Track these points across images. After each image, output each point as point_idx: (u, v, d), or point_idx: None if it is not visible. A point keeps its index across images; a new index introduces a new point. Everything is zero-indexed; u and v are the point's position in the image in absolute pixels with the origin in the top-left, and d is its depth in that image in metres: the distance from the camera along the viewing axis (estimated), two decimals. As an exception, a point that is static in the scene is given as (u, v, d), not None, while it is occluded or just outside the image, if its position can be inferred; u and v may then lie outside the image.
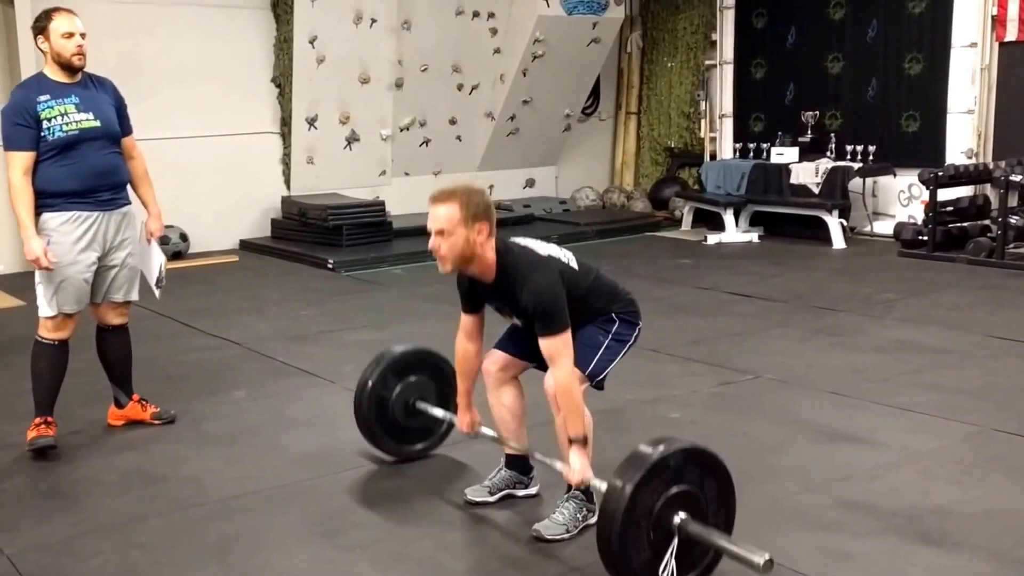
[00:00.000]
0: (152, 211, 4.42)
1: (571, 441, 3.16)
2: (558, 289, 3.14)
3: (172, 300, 7.17)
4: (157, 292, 4.44)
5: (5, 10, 7.94)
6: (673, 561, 2.77)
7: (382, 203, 9.51)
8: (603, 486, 2.90)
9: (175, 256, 8.91)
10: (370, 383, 3.85)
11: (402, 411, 3.90)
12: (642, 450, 2.82)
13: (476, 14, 10.36)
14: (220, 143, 9.39)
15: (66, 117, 4.03)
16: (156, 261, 4.41)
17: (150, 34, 8.85)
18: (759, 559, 2.63)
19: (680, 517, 2.79)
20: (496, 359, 3.49)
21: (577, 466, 3.14)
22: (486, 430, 3.61)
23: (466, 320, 3.44)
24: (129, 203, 4.32)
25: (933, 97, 9.22)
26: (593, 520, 3.32)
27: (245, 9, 9.43)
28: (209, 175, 9.29)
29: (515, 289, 3.17)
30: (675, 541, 2.77)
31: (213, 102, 9.26)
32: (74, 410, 4.56)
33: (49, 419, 4.16)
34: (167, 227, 8.75)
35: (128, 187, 4.34)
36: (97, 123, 4.11)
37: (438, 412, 3.87)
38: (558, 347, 3.11)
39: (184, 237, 9.04)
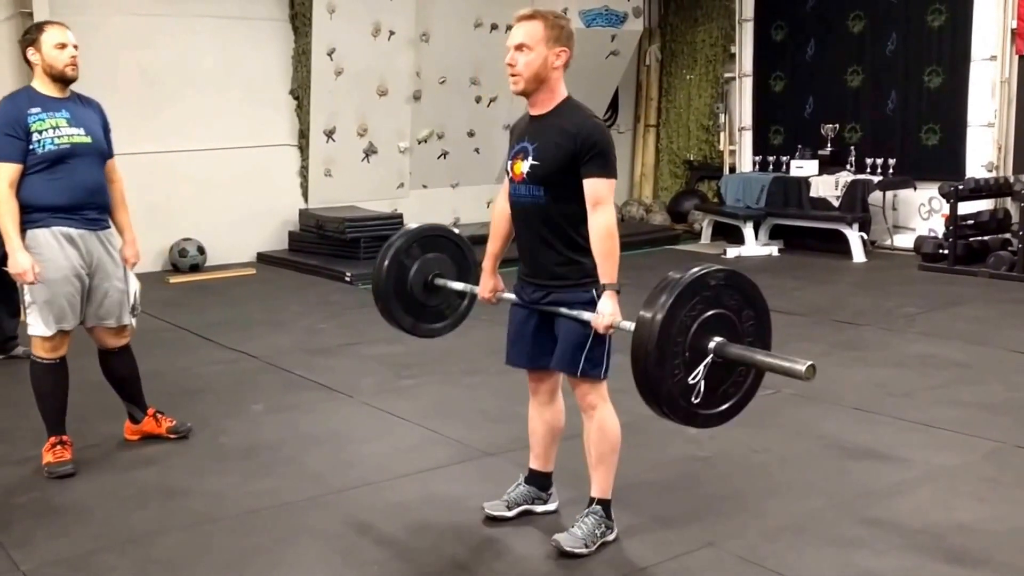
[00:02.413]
0: (127, 237, 4.28)
1: (604, 287, 3.10)
2: (613, 144, 3.15)
3: (189, 313, 7.22)
4: (132, 320, 4.32)
5: (25, 24, 8.00)
6: (703, 380, 2.73)
7: (400, 216, 9.50)
8: (632, 325, 2.84)
9: (193, 268, 8.95)
10: (391, 251, 3.73)
11: (421, 287, 3.79)
12: (675, 274, 2.79)
13: (494, 26, 10.37)
14: (238, 155, 9.42)
15: (58, 131, 3.96)
16: (131, 288, 4.28)
17: (169, 46, 8.89)
18: (801, 366, 2.60)
19: (716, 340, 2.75)
20: (537, 376, 3.45)
21: (608, 310, 3.07)
22: (507, 295, 3.50)
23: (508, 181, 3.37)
24: (111, 227, 4.21)
25: (953, 110, 9.16)
26: (611, 537, 3.31)
27: (264, 21, 9.46)
28: (227, 187, 9.33)
29: (572, 120, 3.12)
30: (709, 358, 2.73)
31: (231, 114, 9.29)
32: (90, 424, 4.56)
33: (64, 438, 4.13)
34: (185, 239, 8.97)
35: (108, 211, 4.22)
36: (88, 139, 4.04)
37: (458, 285, 3.77)
38: (604, 191, 3.10)
39: (201, 250, 9.06)
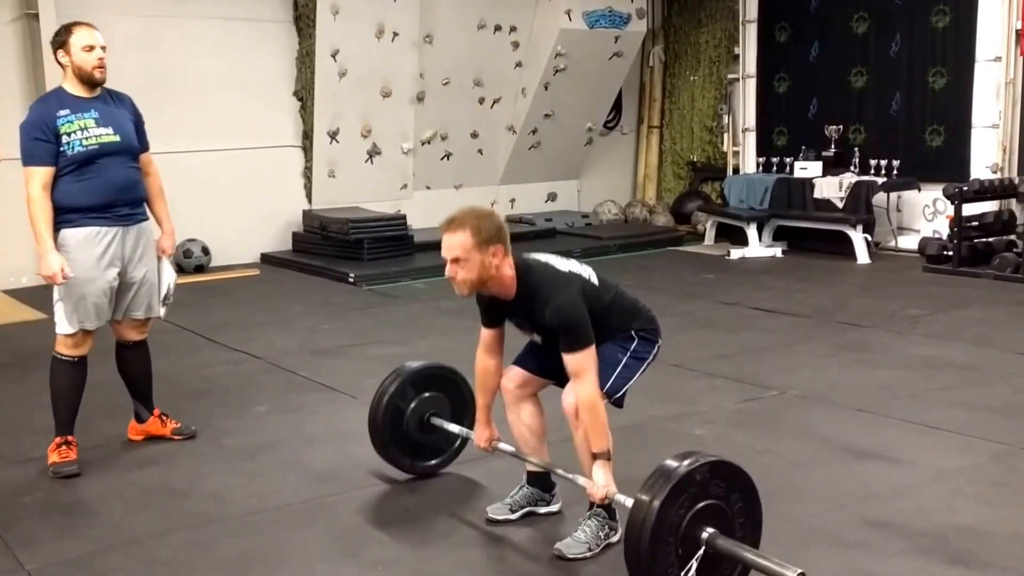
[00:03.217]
0: (165, 228, 4.38)
1: (595, 456, 3.13)
2: (580, 305, 3.13)
3: (194, 314, 7.22)
4: (162, 310, 4.38)
5: (31, 24, 8.02)
6: (694, 571, 2.72)
7: (403, 217, 9.51)
8: (628, 502, 2.87)
9: (197, 269, 8.96)
10: (386, 397, 3.82)
11: (417, 426, 3.86)
12: (668, 464, 2.80)
13: (498, 28, 10.38)
14: (242, 156, 9.44)
15: (85, 131, 4.01)
16: (165, 278, 4.36)
17: (174, 47, 8.92)
18: (791, 573, 2.58)
19: (708, 532, 2.75)
20: (515, 376, 3.47)
21: (601, 481, 3.12)
22: (504, 446, 3.58)
23: (486, 334, 3.42)
24: (147, 218, 4.29)
25: (957, 111, 9.14)
26: (615, 538, 3.30)
27: (268, 23, 9.48)
28: (231, 188, 9.35)
29: (536, 306, 3.16)
30: (701, 551, 2.73)
31: (236, 115, 9.31)
32: (95, 424, 4.57)
33: (70, 438, 4.15)
34: (189, 240, 8.97)
35: (144, 203, 4.31)
36: (117, 138, 4.09)
37: (454, 428, 3.84)
38: (583, 363, 3.11)
39: (206, 250, 9.08)
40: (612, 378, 3.26)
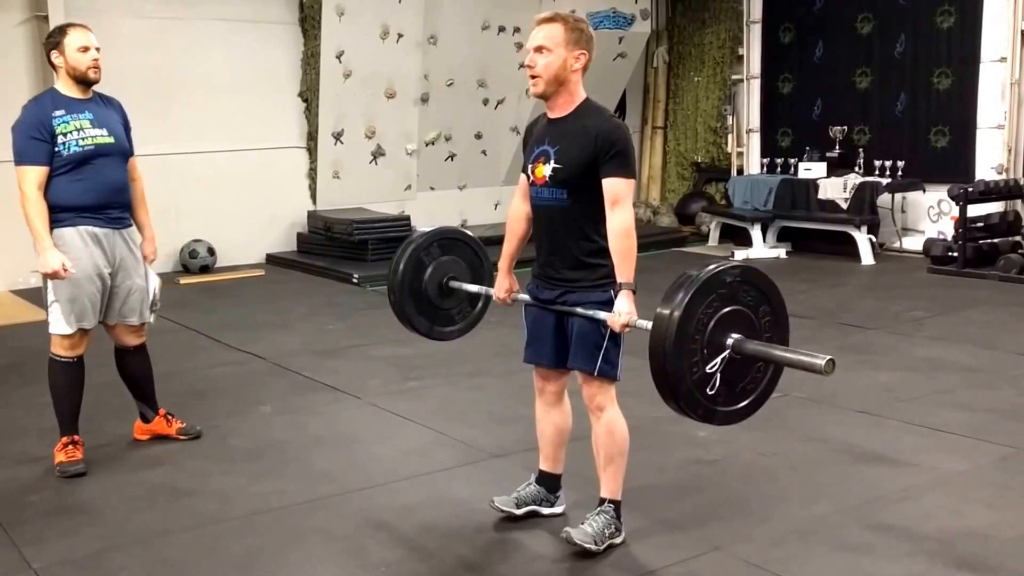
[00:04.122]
0: (147, 235, 4.37)
1: (621, 286, 3.12)
2: (632, 141, 3.17)
3: (199, 314, 7.24)
4: (151, 316, 4.37)
5: (40, 27, 8.04)
6: (720, 375, 2.74)
7: (407, 217, 9.52)
8: (648, 324, 2.84)
9: (202, 270, 8.98)
10: (404, 258, 3.74)
11: (436, 289, 3.78)
12: (692, 271, 2.81)
13: (502, 29, 10.38)
14: (247, 157, 9.45)
15: (82, 132, 4.02)
16: (151, 284, 4.35)
17: (181, 49, 8.94)
18: (821, 360, 2.59)
19: (734, 337, 2.75)
20: (544, 375, 3.45)
21: (625, 309, 3.09)
22: (522, 296, 3.51)
23: (525, 180, 3.39)
24: (132, 225, 4.29)
25: (962, 112, 9.13)
26: (619, 540, 3.31)
27: (273, 24, 9.50)
28: (236, 189, 9.36)
29: (592, 121, 3.16)
30: (726, 353, 2.74)
31: (241, 116, 9.33)
32: (100, 424, 4.59)
33: (76, 438, 4.17)
34: (195, 241, 8.99)
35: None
36: (111, 140, 4.10)
37: (473, 287, 3.76)
38: (623, 191, 3.12)
39: (211, 251, 9.09)
40: (599, 362, 3.21)
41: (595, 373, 3.23)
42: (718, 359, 2.73)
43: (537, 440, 3.57)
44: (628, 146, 3.14)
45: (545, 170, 3.23)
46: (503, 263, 3.54)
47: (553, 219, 3.25)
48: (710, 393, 2.77)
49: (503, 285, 3.55)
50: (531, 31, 3.18)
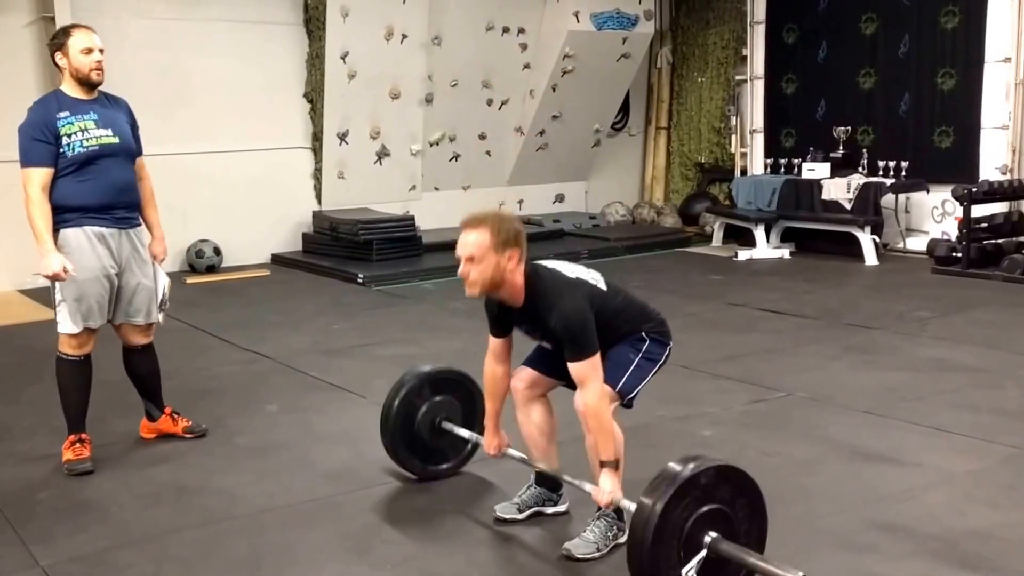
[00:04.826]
0: (156, 234, 4.36)
1: (602, 464, 3.15)
2: (586, 313, 3.12)
3: (205, 313, 7.26)
4: (160, 316, 4.39)
5: (47, 28, 8.06)
6: (694, 572, 2.73)
7: (412, 218, 9.53)
8: (633, 506, 2.88)
9: (209, 269, 9.01)
10: (397, 401, 3.84)
11: (428, 430, 3.88)
12: (672, 468, 2.80)
13: (506, 30, 10.40)
14: (253, 158, 9.48)
15: (86, 133, 4.03)
16: (160, 283, 4.36)
17: (185, 49, 8.96)
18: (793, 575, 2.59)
19: (711, 536, 2.76)
20: (524, 377, 3.49)
21: (608, 488, 3.13)
22: (513, 452, 3.60)
23: (495, 343, 3.44)
24: (140, 224, 4.30)
25: (966, 112, 9.13)
26: (623, 539, 3.31)
27: (278, 25, 9.52)
28: (242, 189, 9.39)
29: (544, 313, 3.17)
30: (702, 553, 2.74)
31: (246, 117, 9.35)
32: (107, 422, 4.61)
33: (84, 436, 4.19)
34: (201, 241, 9.01)
35: (138, 208, 4.30)
36: (116, 140, 4.11)
37: (464, 433, 3.86)
38: (587, 371, 3.11)
39: (217, 251, 9.12)
40: (624, 378, 3.27)
41: (616, 388, 3.25)
42: (694, 561, 2.74)
43: (526, 444, 3.57)
44: (580, 327, 3.10)
45: (542, 343, 3.38)
46: (489, 423, 3.59)
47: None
48: None
49: (492, 443, 3.61)
50: (460, 235, 3.16)
